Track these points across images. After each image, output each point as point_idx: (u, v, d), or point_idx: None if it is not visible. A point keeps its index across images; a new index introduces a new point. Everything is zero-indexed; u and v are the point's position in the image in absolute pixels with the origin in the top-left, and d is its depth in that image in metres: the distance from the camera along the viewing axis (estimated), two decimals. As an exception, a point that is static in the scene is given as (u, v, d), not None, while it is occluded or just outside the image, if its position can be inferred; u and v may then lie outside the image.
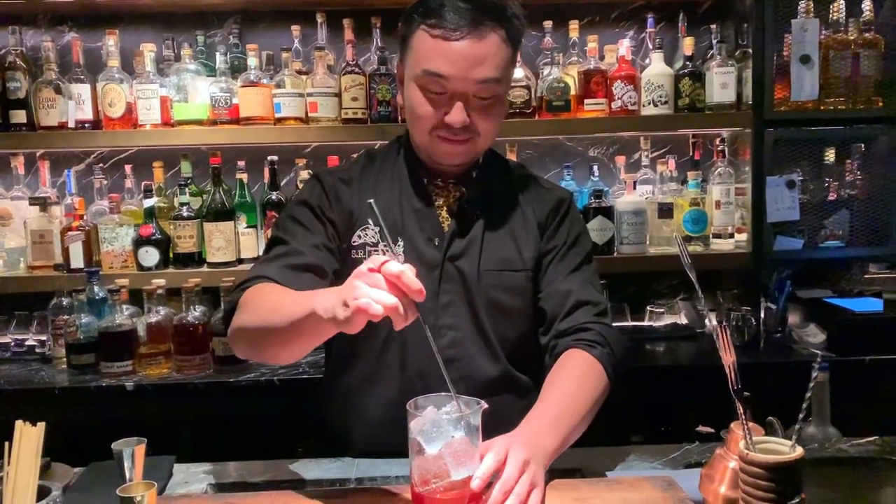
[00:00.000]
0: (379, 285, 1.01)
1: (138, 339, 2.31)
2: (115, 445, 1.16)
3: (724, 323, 2.49)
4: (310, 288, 1.26)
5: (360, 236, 1.45)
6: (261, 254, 1.75)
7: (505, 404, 1.39)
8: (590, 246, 1.53)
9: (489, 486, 1.04)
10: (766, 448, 1.01)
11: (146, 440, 1.16)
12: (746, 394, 1.74)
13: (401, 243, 1.42)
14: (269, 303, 1.26)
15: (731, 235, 2.58)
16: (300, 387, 2.15)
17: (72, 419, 1.92)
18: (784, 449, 1.01)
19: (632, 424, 2.08)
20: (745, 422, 1.04)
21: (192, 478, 1.38)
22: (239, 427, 2.13)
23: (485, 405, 1.06)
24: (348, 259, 1.43)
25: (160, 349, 2.30)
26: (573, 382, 1.30)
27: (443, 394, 1.09)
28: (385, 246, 1.45)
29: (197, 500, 1.22)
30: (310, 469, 1.41)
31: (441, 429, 1.04)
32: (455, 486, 1.02)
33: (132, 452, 1.14)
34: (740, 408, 1.05)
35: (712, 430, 1.68)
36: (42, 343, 2.49)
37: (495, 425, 1.13)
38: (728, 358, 1.05)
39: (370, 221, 1.40)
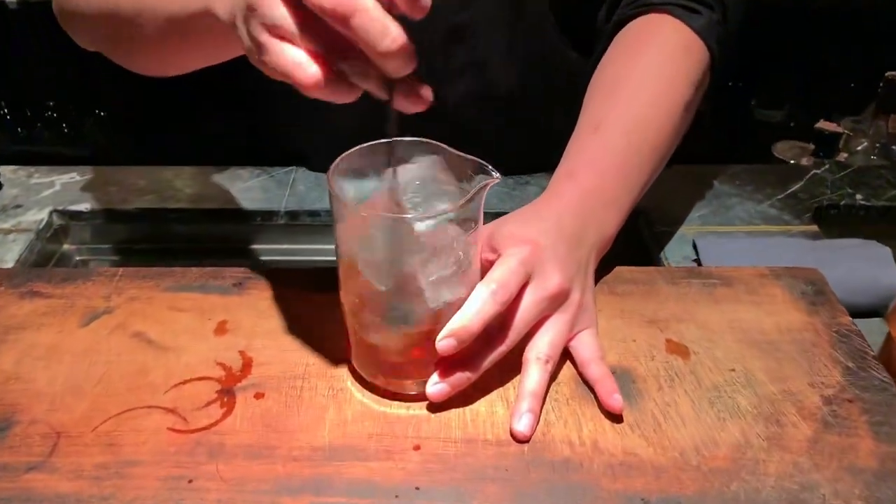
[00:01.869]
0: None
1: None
2: None
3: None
4: None
5: None
6: None
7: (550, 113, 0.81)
8: None
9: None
10: None
11: None
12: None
13: None
14: None
15: None
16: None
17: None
18: None
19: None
20: None
21: (31, 196, 0.87)
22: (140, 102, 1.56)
23: (497, 177, 0.50)
24: None
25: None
26: (653, 87, 0.68)
27: (418, 140, 0.52)
28: None
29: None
30: (217, 188, 0.89)
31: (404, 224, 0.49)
32: (419, 322, 0.52)
33: None
34: None
35: (839, 128, 1.12)
36: None
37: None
38: None
39: None
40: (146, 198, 0.87)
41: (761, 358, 0.58)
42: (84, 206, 0.86)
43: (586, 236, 0.60)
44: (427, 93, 0.46)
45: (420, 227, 0.48)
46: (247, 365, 0.57)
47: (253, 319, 0.62)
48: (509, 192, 0.88)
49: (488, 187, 0.50)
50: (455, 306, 0.51)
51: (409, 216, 0.48)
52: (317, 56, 0.43)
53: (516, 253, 0.54)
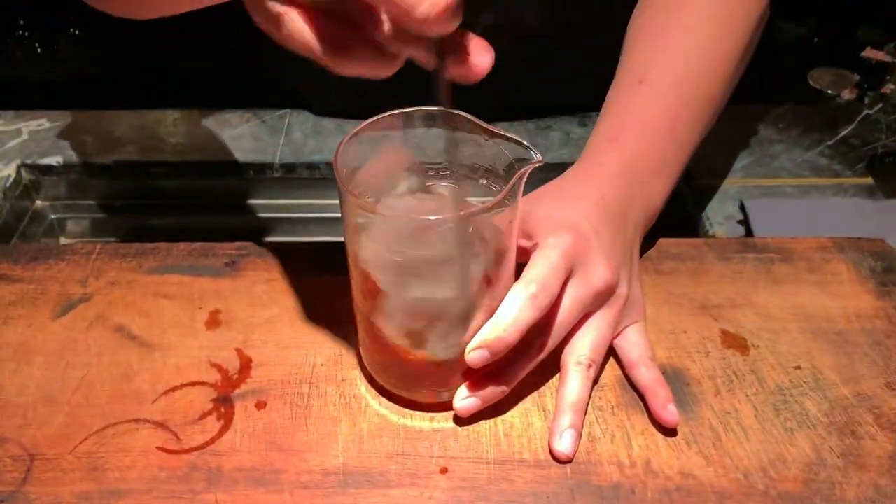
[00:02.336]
0: None
1: None
2: None
3: None
4: None
5: None
6: None
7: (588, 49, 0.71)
8: None
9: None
10: None
11: None
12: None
13: None
14: None
15: None
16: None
17: None
18: None
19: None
20: None
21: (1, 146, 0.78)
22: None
23: (538, 159, 0.41)
24: None
25: None
26: (707, 30, 0.59)
27: (444, 111, 0.43)
28: None
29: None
30: (206, 134, 0.80)
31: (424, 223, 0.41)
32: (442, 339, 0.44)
33: None
34: None
35: (886, 57, 1.02)
36: None
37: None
38: None
39: None
40: (126, 149, 0.78)
41: (830, 352, 0.51)
42: (56, 160, 0.77)
43: (632, 211, 0.52)
44: (483, 54, 0.36)
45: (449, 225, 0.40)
46: (245, 366, 0.50)
47: (249, 308, 0.54)
48: (530, 138, 0.78)
49: (527, 173, 0.41)
50: (487, 307, 0.44)
51: (434, 217, 0.40)
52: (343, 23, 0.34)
53: (557, 244, 0.46)
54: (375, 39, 0.35)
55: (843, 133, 0.79)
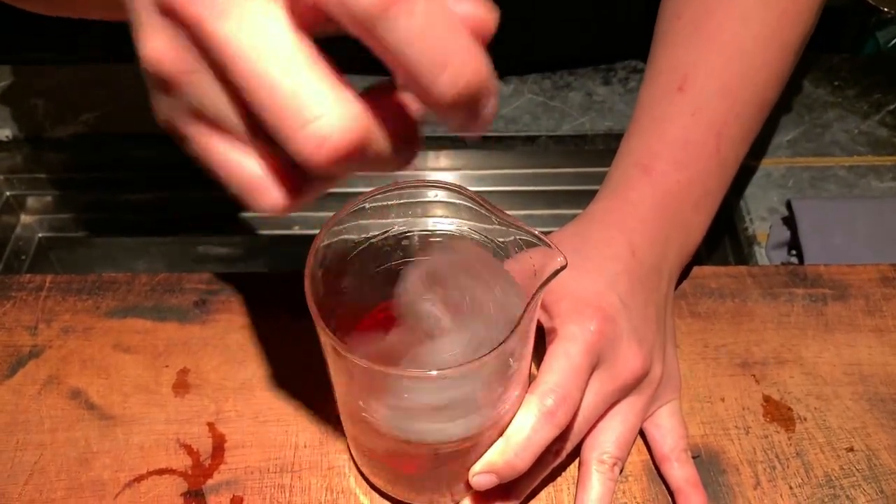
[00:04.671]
0: None
1: None
2: None
3: None
4: None
5: None
6: None
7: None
8: None
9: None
10: None
11: None
12: None
13: None
14: None
15: None
16: None
17: None
18: None
19: None
20: None
21: (-62, 116, 0.69)
22: None
23: (562, 261, 0.33)
24: None
25: None
26: (760, 22, 0.47)
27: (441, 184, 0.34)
28: None
29: None
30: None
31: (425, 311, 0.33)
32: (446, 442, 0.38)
33: None
34: None
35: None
36: None
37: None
38: None
39: None
40: (84, 117, 0.68)
41: (888, 427, 0.44)
42: (4, 134, 0.67)
43: (667, 261, 0.44)
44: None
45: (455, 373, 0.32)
46: (217, 448, 0.44)
47: (221, 367, 0.47)
48: (546, 101, 0.69)
49: (551, 280, 0.33)
50: (496, 419, 0.37)
51: (437, 373, 0.31)
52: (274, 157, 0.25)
53: (579, 335, 0.38)
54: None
55: (908, 92, 0.69)
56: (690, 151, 0.46)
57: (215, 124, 0.24)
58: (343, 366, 0.33)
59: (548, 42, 0.69)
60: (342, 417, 0.41)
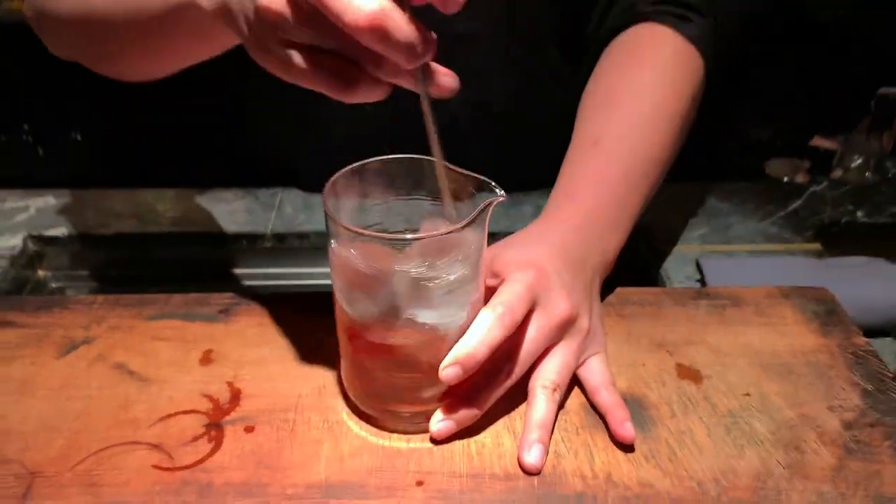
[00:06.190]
0: None
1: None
2: None
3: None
4: None
5: None
6: None
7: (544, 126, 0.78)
8: None
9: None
10: None
11: None
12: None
13: None
14: None
15: None
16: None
17: None
18: None
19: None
20: None
21: (5, 221, 0.83)
22: (117, 120, 1.52)
23: (501, 194, 0.47)
24: None
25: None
26: (651, 99, 0.66)
27: (404, 156, 0.49)
28: None
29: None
30: (200, 211, 0.86)
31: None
32: (418, 352, 0.49)
33: None
34: None
35: (834, 145, 1.11)
36: None
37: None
38: None
39: None
40: (125, 222, 0.84)
41: (776, 381, 0.56)
42: (60, 231, 0.82)
43: (590, 259, 0.58)
44: (448, 78, 0.43)
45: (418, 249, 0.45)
46: (235, 397, 0.54)
47: (240, 349, 0.58)
48: (504, 211, 0.85)
49: (492, 206, 0.47)
50: (458, 332, 0.48)
51: (405, 237, 0.45)
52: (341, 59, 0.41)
53: (521, 278, 0.51)
54: (371, 72, 0.41)
55: (793, 207, 0.86)
56: (604, 186, 0.61)
57: (302, 45, 0.40)
58: (344, 261, 0.46)
59: (502, 171, 0.87)
60: (341, 352, 0.52)
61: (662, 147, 0.64)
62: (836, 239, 0.82)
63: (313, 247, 0.82)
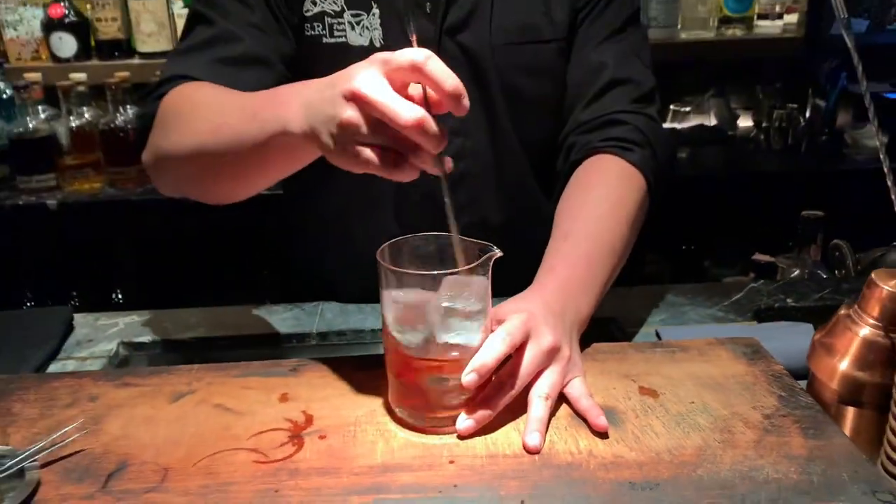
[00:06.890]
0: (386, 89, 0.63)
1: (60, 148, 1.90)
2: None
3: (765, 123, 2.12)
4: (254, 89, 0.84)
5: (314, 2, 1.00)
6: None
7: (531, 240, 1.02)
8: (638, 1, 1.07)
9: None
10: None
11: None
12: (818, 214, 1.38)
13: (376, 12, 0.98)
14: (204, 116, 0.82)
15: (780, 16, 2.12)
16: (269, 205, 1.76)
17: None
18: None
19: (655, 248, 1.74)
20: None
21: (100, 333, 1.03)
22: (184, 255, 1.78)
23: (498, 252, 0.68)
24: (301, 38, 0.99)
25: (87, 159, 1.89)
26: (605, 206, 0.90)
27: (431, 234, 0.71)
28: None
29: (67, 381, 0.88)
30: (258, 320, 1.06)
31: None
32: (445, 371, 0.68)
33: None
34: None
35: (771, 259, 1.34)
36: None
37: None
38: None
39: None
40: (198, 330, 1.04)
41: (714, 393, 0.74)
42: (146, 338, 1.02)
43: (568, 313, 0.78)
44: (449, 161, 0.66)
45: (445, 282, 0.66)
46: (308, 420, 0.72)
47: (309, 391, 0.77)
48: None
49: (493, 259, 0.68)
50: (474, 351, 0.68)
51: (433, 272, 0.66)
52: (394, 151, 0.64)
53: (517, 317, 0.71)
54: (411, 160, 0.64)
55: (735, 297, 1.07)
56: (574, 264, 0.83)
57: (371, 143, 0.63)
58: (388, 294, 0.66)
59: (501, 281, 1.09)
60: (390, 380, 0.71)
61: (615, 238, 0.87)
62: (771, 319, 1.02)
63: (349, 343, 1.01)
